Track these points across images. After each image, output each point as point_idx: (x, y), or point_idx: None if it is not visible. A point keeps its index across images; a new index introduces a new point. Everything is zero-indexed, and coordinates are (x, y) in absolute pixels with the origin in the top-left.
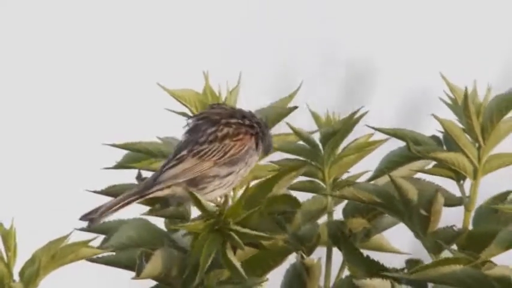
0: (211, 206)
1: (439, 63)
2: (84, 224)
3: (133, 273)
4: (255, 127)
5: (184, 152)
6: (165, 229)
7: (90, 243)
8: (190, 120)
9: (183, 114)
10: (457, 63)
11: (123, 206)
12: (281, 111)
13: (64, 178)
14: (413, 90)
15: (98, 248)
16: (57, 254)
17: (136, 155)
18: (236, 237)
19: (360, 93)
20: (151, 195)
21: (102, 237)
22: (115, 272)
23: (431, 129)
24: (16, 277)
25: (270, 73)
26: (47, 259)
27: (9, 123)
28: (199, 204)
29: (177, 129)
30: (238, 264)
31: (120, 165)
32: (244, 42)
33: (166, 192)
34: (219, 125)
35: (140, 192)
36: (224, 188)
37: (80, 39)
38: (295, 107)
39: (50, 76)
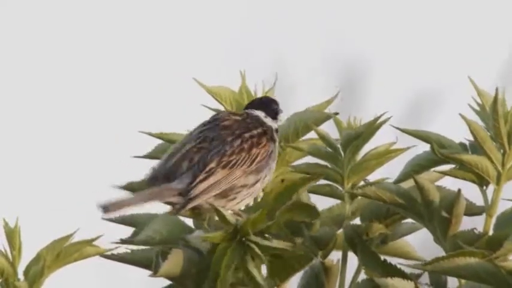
0: (233, 218)
1: (438, 63)
2: (91, 222)
3: (145, 272)
4: (267, 131)
5: (212, 165)
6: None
7: (95, 242)
8: (196, 131)
9: (218, 111)
10: (456, 61)
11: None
12: (320, 115)
13: (69, 176)
14: (412, 90)
15: (127, 240)
16: (61, 252)
17: (168, 145)
18: (257, 249)
19: (358, 93)
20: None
21: (105, 235)
22: (117, 271)
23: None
24: (21, 276)
25: (265, 73)
26: (51, 258)
27: (20, 121)
28: (223, 219)
29: None
30: (259, 277)
31: (151, 155)
32: (249, 40)
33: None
34: (243, 137)
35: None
36: (252, 197)
37: (118, 33)
38: (336, 113)
39: (81, 71)
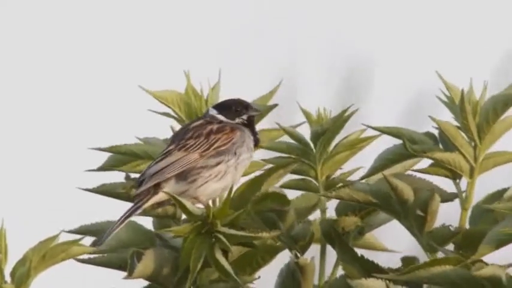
0: (197, 209)
1: (438, 61)
2: (73, 224)
3: (124, 273)
4: (234, 122)
5: (171, 147)
6: (153, 229)
7: (80, 242)
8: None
9: (166, 114)
10: (454, 60)
11: (124, 220)
12: (261, 108)
13: (54, 179)
14: (414, 88)
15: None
16: (47, 253)
17: (121, 157)
18: (224, 239)
19: (359, 92)
20: (149, 203)
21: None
22: (107, 272)
23: (432, 128)
24: (7, 278)
25: (270, 72)
26: (37, 259)
27: (3, 124)
28: (183, 207)
29: (160, 130)
30: (228, 266)
31: (104, 167)
32: (245, 42)
33: (162, 195)
34: (202, 125)
35: (137, 201)
36: (217, 180)
37: (62, 42)
38: (275, 105)
39: (34, 79)
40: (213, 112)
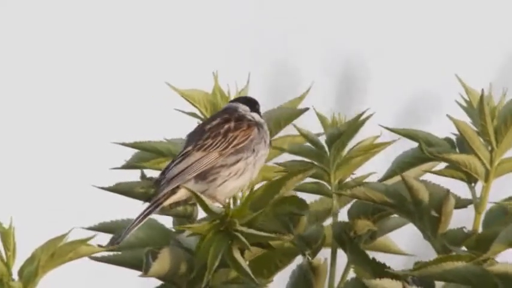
0: (216, 207)
1: (438, 63)
2: (86, 223)
3: (137, 273)
4: (252, 120)
5: (189, 148)
6: (173, 228)
7: (90, 242)
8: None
9: (192, 114)
10: (454, 63)
11: (143, 218)
12: (291, 112)
13: (64, 177)
14: (412, 91)
15: (103, 246)
16: (56, 252)
17: (145, 154)
18: (242, 238)
19: (357, 93)
20: (167, 202)
21: (100, 235)
22: (114, 271)
23: (431, 130)
24: (15, 276)
25: (271, 73)
26: (46, 258)
27: (12, 122)
28: (204, 205)
29: (186, 129)
30: (245, 266)
31: (129, 165)
32: (247, 42)
33: (181, 194)
34: (219, 123)
35: (155, 200)
36: (236, 178)
37: (91, 38)
38: (306, 109)
39: (58, 75)
40: (243, 108)
